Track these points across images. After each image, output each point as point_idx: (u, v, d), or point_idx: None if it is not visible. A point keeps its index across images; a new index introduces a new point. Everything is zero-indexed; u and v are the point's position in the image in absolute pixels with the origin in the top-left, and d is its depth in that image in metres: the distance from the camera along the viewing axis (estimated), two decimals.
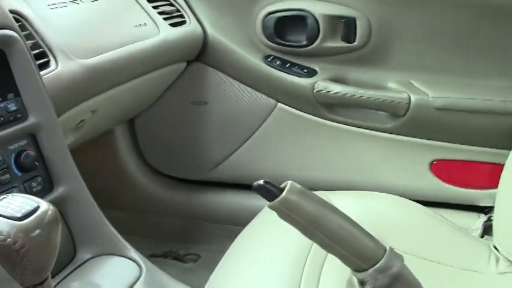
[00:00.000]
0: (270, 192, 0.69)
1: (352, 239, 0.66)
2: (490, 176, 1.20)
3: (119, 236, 0.90)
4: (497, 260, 0.99)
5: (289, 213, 0.70)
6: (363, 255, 0.64)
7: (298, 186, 0.73)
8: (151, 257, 1.32)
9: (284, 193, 0.68)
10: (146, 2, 1.25)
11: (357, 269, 0.64)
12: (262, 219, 1.05)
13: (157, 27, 1.22)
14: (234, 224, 1.22)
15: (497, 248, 1.06)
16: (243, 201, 1.38)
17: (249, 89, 1.33)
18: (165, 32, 1.22)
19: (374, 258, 0.62)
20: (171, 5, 1.32)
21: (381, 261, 0.62)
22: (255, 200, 0.87)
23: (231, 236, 0.98)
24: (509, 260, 0.99)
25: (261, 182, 0.70)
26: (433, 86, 1.25)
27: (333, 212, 0.74)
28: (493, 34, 1.24)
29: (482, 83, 1.25)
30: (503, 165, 1.08)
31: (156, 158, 1.46)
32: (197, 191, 1.46)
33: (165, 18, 1.26)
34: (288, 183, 0.72)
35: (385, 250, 0.64)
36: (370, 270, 0.61)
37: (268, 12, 1.29)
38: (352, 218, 1.11)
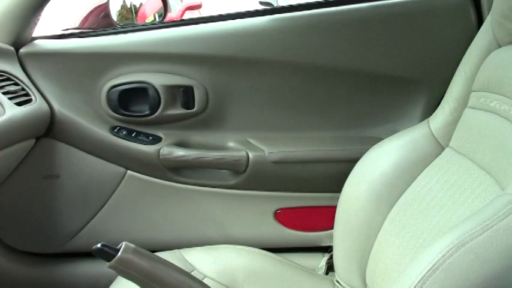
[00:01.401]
0: (107, 253, 0.78)
1: None
2: (329, 218, 1.30)
3: None
4: None
5: (127, 271, 0.78)
6: None
7: (132, 245, 0.82)
8: None
9: (119, 253, 0.77)
10: None
11: None
12: (120, 285, 1.09)
13: (3, 107, 1.24)
14: None
15: (339, 281, 1.18)
16: (100, 269, 1.40)
17: (99, 160, 1.37)
18: (10, 111, 1.24)
19: None
20: (16, 84, 1.34)
21: None
22: None
23: None
24: None
25: (99, 245, 0.79)
26: (269, 142, 1.37)
27: (166, 266, 0.83)
28: (319, 92, 1.38)
29: (313, 135, 1.39)
30: (334, 206, 1.22)
31: (11, 235, 1.44)
32: (55, 264, 1.45)
33: (10, 98, 1.27)
34: (123, 244, 0.81)
35: None
36: None
37: (111, 86, 1.35)
38: (205, 272, 1.20)
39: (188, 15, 5.94)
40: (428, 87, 1.35)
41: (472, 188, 0.92)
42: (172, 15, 5.55)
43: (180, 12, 5.74)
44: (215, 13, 1.40)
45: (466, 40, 1.16)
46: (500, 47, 1.03)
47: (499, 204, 0.71)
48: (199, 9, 6.19)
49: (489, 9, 1.10)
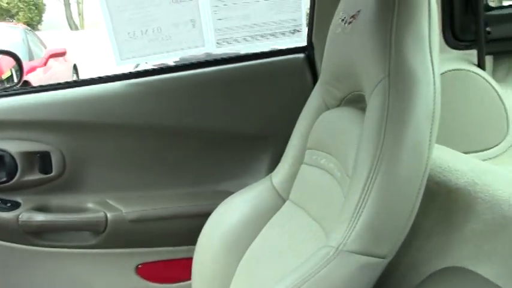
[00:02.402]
0: None
1: None
2: (187, 269, 1.33)
3: None
4: None
5: None
6: None
7: None
8: None
9: None
10: None
11: None
12: None
13: None
14: None
15: None
16: None
17: None
18: None
19: None
20: None
21: None
22: None
23: None
24: None
25: None
26: (126, 202, 1.44)
27: None
28: (171, 151, 1.48)
29: (168, 193, 1.48)
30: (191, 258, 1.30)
31: None
32: None
33: None
34: None
35: None
36: None
37: None
38: None
39: (52, 62, 5.84)
40: (272, 143, 1.47)
41: (307, 238, 1.02)
42: (35, 63, 5.45)
43: (44, 60, 5.64)
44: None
45: (304, 99, 1.25)
46: (328, 109, 1.14)
47: (319, 256, 0.81)
48: (64, 56, 6.12)
49: None
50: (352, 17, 0.95)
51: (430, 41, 0.84)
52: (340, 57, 1.02)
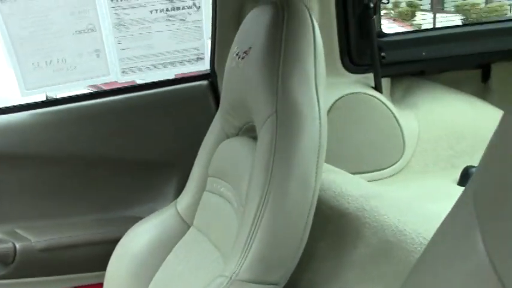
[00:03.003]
0: None
1: None
2: None
3: None
4: None
5: None
6: None
7: None
8: None
9: None
10: None
11: None
12: None
13: None
14: None
15: None
16: None
17: None
18: None
19: None
20: None
21: None
22: None
23: None
24: None
25: None
26: (35, 231, 1.43)
27: None
28: (80, 179, 1.50)
29: (77, 220, 1.49)
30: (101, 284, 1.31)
31: None
32: None
33: None
34: None
35: None
36: None
37: None
38: None
39: None
40: (179, 170, 1.51)
41: (208, 265, 1.04)
42: None
43: None
44: None
45: (208, 126, 1.29)
46: (228, 137, 1.17)
47: (214, 285, 0.84)
48: None
49: None
50: (245, 52, 1.01)
51: (316, 78, 0.90)
52: (235, 90, 1.07)
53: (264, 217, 0.84)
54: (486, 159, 0.35)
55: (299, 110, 0.87)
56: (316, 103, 0.89)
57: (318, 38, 0.92)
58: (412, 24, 6.61)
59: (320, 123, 0.88)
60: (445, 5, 7.14)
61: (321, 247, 0.96)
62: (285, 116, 0.88)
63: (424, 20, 6.81)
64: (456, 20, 6.30)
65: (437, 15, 6.70)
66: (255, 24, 1.03)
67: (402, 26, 5.94)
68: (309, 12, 0.94)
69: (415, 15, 7.06)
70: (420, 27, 6.53)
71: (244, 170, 0.96)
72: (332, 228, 0.96)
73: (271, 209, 0.84)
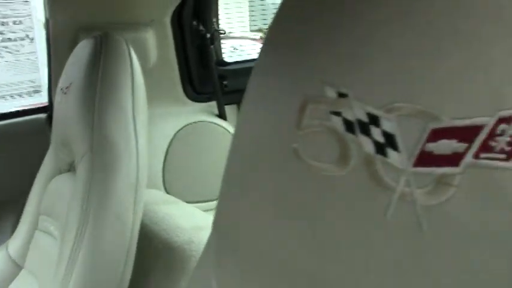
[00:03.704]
0: None
1: None
2: None
3: None
4: None
5: None
6: None
7: None
8: None
9: None
10: None
11: None
12: None
13: None
14: None
15: None
16: None
17: None
18: None
19: None
20: None
21: None
22: None
23: None
24: None
25: None
26: None
27: None
28: None
29: None
30: None
31: None
32: None
33: None
34: None
35: None
36: None
37: None
38: None
39: None
40: (14, 208, 1.41)
41: None
42: None
43: None
44: None
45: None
46: (61, 173, 1.12)
47: None
48: None
49: None
50: (67, 87, 0.99)
51: (134, 114, 0.89)
52: (60, 125, 1.05)
53: (79, 258, 0.82)
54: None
55: (114, 148, 0.86)
56: (134, 139, 0.88)
57: (137, 70, 0.92)
58: None
59: (138, 159, 0.87)
60: None
61: (152, 281, 0.95)
62: (101, 153, 0.87)
63: None
64: None
65: None
66: (77, 58, 1.01)
67: None
68: (127, 44, 0.93)
69: None
70: None
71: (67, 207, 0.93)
72: (162, 262, 0.95)
73: (86, 249, 0.83)
